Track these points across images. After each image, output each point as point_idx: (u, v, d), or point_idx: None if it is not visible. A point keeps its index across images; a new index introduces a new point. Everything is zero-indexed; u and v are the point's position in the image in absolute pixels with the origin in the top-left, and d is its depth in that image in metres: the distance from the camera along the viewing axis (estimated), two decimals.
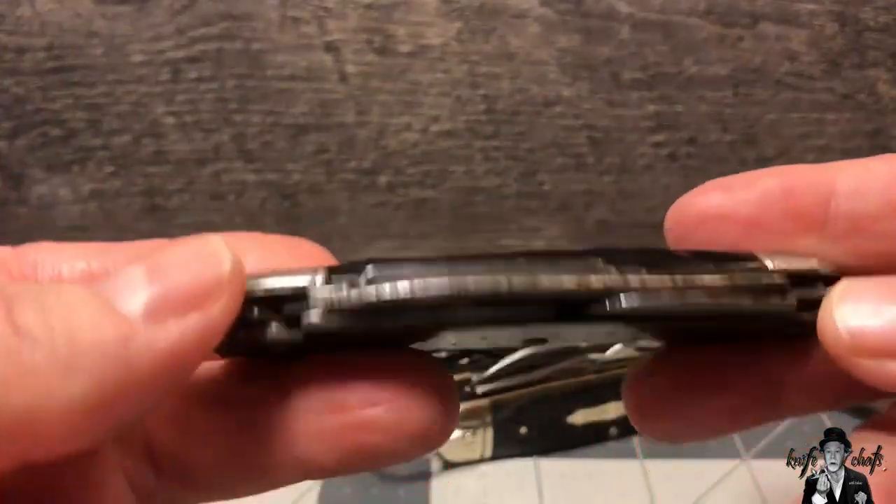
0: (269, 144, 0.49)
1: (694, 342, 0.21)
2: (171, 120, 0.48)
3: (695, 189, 0.21)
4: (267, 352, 0.17)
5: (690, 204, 0.20)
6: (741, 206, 0.20)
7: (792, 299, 0.18)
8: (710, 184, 0.21)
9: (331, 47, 0.47)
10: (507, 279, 0.16)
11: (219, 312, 0.15)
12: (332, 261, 0.19)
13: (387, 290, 0.15)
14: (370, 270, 0.16)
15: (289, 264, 0.17)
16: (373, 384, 0.17)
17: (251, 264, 0.17)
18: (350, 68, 0.47)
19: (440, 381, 0.18)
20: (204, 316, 0.14)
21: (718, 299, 0.17)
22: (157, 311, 0.14)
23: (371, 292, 0.16)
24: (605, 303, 0.17)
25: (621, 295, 0.17)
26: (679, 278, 0.17)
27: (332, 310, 0.16)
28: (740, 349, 0.20)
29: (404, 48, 0.47)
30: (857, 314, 0.17)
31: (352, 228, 0.52)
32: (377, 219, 0.51)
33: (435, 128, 0.49)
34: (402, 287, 0.15)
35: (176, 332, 0.14)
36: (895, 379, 0.16)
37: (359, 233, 0.52)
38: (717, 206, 0.20)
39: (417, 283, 0.15)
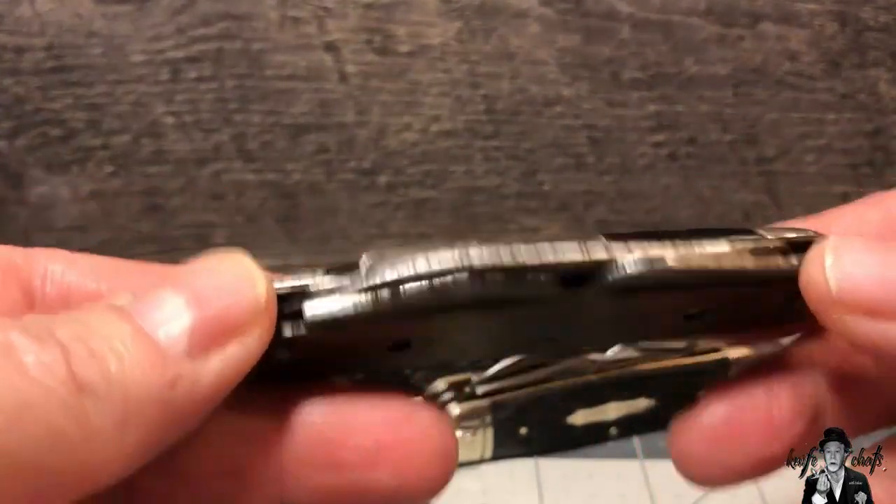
0: (268, 144, 0.49)
1: (702, 331, 0.20)
2: (170, 120, 0.48)
3: None
4: (265, 372, 0.16)
5: None
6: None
7: (794, 260, 0.17)
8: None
9: (331, 47, 0.47)
10: (510, 251, 0.16)
11: (257, 338, 0.15)
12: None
13: (387, 271, 0.15)
14: (367, 259, 0.15)
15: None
16: (375, 440, 0.16)
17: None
18: (350, 68, 0.47)
19: (443, 443, 0.17)
20: (243, 344, 0.14)
21: (721, 263, 0.17)
22: (200, 345, 0.14)
23: (376, 273, 0.15)
24: (610, 271, 0.16)
25: (624, 262, 0.16)
26: (681, 244, 0.17)
27: (336, 296, 0.15)
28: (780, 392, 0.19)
29: (404, 48, 0.47)
30: (851, 268, 0.16)
31: (352, 228, 0.52)
32: (377, 219, 0.51)
33: (435, 128, 0.49)
34: (405, 265, 0.15)
35: (218, 365, 0.14)
36: (886, 341, 0.16)
37: (359, 232, 0.52)
38: None
39: (421, 258, 0.15)
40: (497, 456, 0.36)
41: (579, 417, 0.36)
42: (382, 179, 0.50)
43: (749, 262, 0.17)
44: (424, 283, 0.15)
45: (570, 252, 0.16)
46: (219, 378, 0.14)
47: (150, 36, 0.46)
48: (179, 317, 0.14)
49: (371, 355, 0.17)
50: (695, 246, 0.17)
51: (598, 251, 0.16)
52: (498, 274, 0.16)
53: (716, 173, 0.50)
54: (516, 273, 0.16)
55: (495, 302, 0.16)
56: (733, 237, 0.17)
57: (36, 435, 0.12)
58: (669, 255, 0.17)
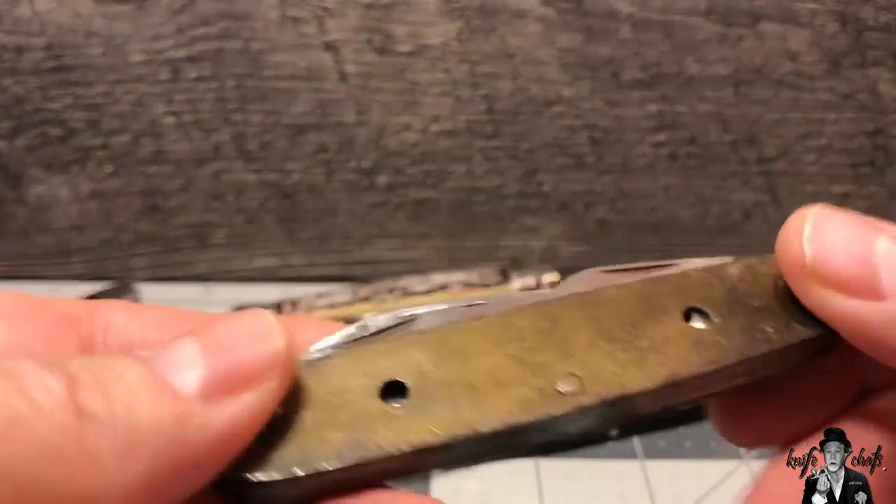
0: (268, 144, 0.49)
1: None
2: (170, 119, 0.48)
3: None
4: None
5: None
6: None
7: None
8: None
9: (330, 47, 0.47)
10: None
11: (272, 390, 0.15)
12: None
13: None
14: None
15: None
16: None
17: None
18: (350, 68, 0.47)
19: None
20: (257, 395, 0.14)
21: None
22: (213, 391, 0.14)
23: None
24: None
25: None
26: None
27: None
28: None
29: (404, 48, 0.47)
30: (829, 240, 0.16)
31: (351, 228, 0.52)
32: (377, 218, 0.51)
33: (435, 127, 0.49)
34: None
35: (230, 411, 0.14)
36: (855, 318, 0.16)
37: (358, 232, 0.52)
38: None
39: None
40: (499, 457, 0.36)
41: None
42: (382, 179, 0.50)
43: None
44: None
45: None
46: (231, 424, 0.14)
47: (149, 36, 0.46)
48: (194, 363, 0.14)
49: (356, 409, 0.17)
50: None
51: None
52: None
53: (716, 173, 0.50)
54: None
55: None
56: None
57: (28, 449, 0.12)
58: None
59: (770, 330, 0.18)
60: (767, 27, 0.46)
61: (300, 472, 0.15)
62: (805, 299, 0.17)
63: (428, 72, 0.47)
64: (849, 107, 0.48)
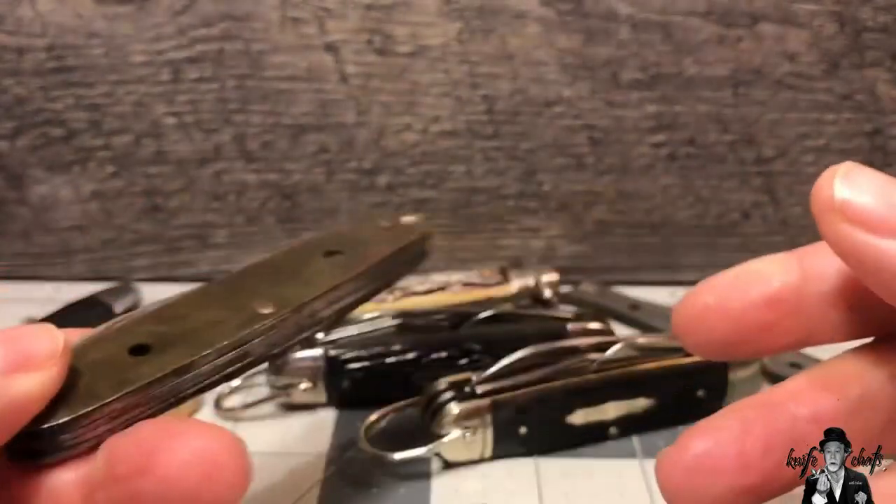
0: (269, 144, 0.49)
1: None
2: (171, 120, 0.48)
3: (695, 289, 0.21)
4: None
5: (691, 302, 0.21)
6: (727, 302, 0.21)
7: None
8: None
9: (331, 48, 0.47)
10: None
11: (54, 374, 0.19)
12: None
13: None
14: None
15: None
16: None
17: None
18: (350, 68, 0.47)
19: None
20: (43, 374, 0.19)
21: None
22: (9, 368, 0.18)
23: None
24: None
25: None
26: None
27: None
28: None
29: (404, 48, 0.47)
30: (859, 182, 0.18)
31: None
32: None
33: (435, 128, 0.49)
34: None
35: (22, 383, 0.18)
36: (877, 257, 0.17)
37: None
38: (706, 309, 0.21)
39: None
40: (497, 456, 0.36)
41: (579, 417, 0.36)
42: (382, 179, 0.50)
43: None
44: None
45: None
46: (24, 392, 0.18)
47: (150, 36, 0.46)
48: None
49: (115, 367, 0.21)
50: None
51: None
52: None
53: (715, 173, 0.50)
54: None
55: None
56: None
57: None
58: None
59: (376, 250, 0.29)
60: (766, 28, 0.46)
61: (82, 410, 0.19)
62: (833, 239, 0.18)
63: (428, 72, 0.47)
64: (847, 107, 0.48)
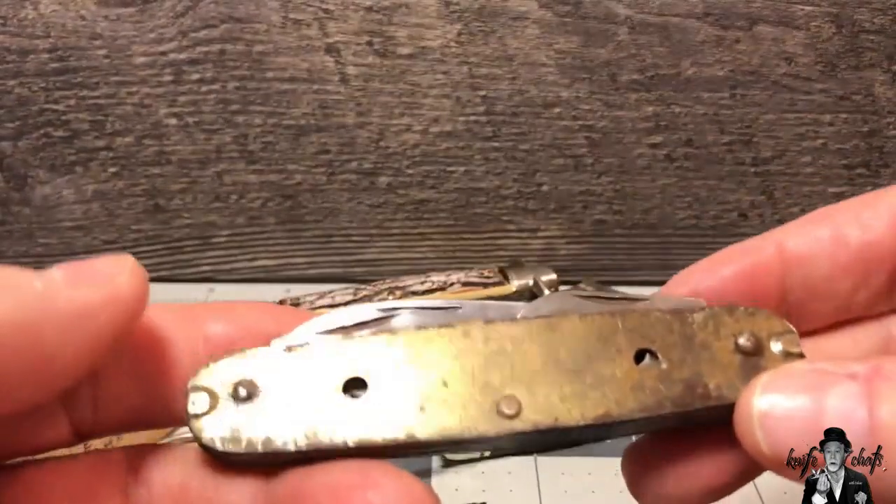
0: (270, 145, 0.49)
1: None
2: (173, 121, 0.49)
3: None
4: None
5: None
6: (705, 294, 0.21)
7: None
8: (674, 278, 0.22)
9: (332, 49, 0.47)
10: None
11: (123, 287, 0.17)
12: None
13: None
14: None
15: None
16: None
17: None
18: (351, 70, 0.47)
19: None
20: (107, 288, 0.17)
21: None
22: (72, 280, 0.17)
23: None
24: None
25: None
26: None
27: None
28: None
29: (405, 50, 0.47)
30: (780, 431, 0.17)
31: (352, 228, 0.52)
32: (378, 219, 0.52)
33: (435, 129, 0.49)
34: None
35: (86, 292, 0.17)
36: (772, 451, 0.17)
37: (359, 232, 0.52)
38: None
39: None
40: (497, 454, 0.36)
41: None
42: (383, 180, 0.50)
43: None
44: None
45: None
46: (86, 301, 0.17)
47: (152, 38, 0.46)
48: (61, 269, 0.17)
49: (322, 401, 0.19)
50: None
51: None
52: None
53: (713, 174, 0.50)
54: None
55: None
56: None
57: None
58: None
59: (711, 386, 0.19)
60: (763, 29, 0.47)
61: (260, 450, 0.18)
62: (780, 475, 0.18)
63: (428, 74, 0.48)
64: (844, 108, 0.48)
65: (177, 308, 0.20)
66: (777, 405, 0.17)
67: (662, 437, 0.21)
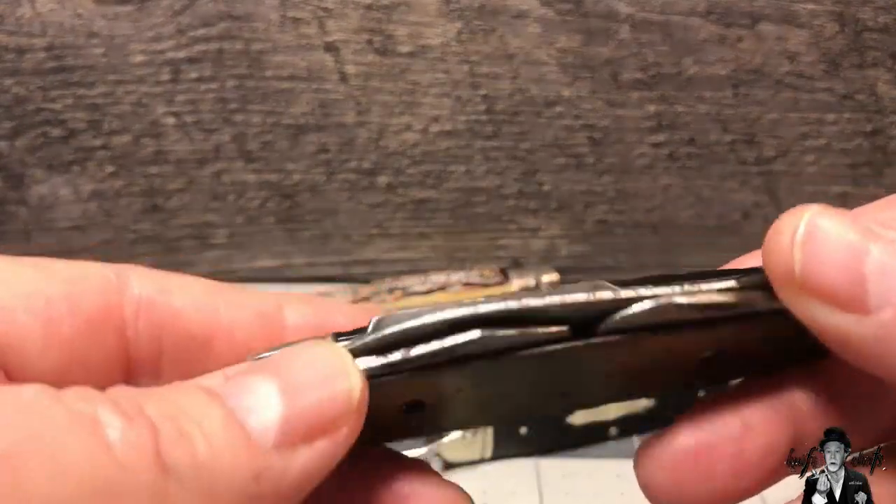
0: (269, 144, 0.49)
1: (713, 378, 0.20)
2: (171, 120, 0.48)
3: None
4: None
5: None
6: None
7: None
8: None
9: (331, 47, 0.47)
10: (517, 300, 0.16)
11: (346, 436, 0.14)
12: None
13: (394, 327, 0.15)
14: (374, 319, 0.16)
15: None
16: None
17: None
18: (350, 68, 0.47)
19: None
20: (332, 441, 0.14)
21: (730, 298, 0.17)
22: (290, 439, 0.13)
23: (383, 329, 0.15)
24: (619, 312, 0.16)
25: (633, 304, 0.17)
26: (688, 284, 0.17)
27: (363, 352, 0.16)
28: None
29: (404, 48, 0.47)
30: (822, 247, 0.16)
31: (352, 228, 0.52)
32: (377, 219, 0.52)
33: (435, 128, 0.49)
34: (412, 320, 0.15)
35: (305, 461, 0.14)
36: (843, 334, 0.15)
37: (359, 233, 0.52)
38: None
39: (427, 314, 0.15)
40: (497, 456, 0.36)
41: (579, 417, 0.36)
42: (382, 180, 0.50)
43: (758, 298, 0.17)
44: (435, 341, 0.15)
45: (578, 297, 0.16)
46: (305, 474, 0.14)
47: (150, 36, 0.46)
48: (271, 406, 0.14)
49: (386, 418, 0.17)
50: (701, 284, 0.17)
51: (604, 294, 0.17)
52: (507, 322, 0.16)
53: (715, 173, 0.50)
54: (525, 319, 0.16)
55: (505, 351, 0.16)
56: (740, 277, 0.17)
57: None
58: (677, 292, 0.17)
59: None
60: (766, 28, 0.46)
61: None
62: (796, 311, 0.16)
63: (428, 72, 0.47)
64: (848, 107, 0.48)
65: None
66: (826, 231, 0.15)
67: (687, 430, 0.20)
